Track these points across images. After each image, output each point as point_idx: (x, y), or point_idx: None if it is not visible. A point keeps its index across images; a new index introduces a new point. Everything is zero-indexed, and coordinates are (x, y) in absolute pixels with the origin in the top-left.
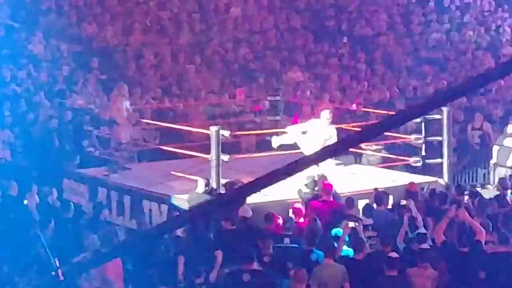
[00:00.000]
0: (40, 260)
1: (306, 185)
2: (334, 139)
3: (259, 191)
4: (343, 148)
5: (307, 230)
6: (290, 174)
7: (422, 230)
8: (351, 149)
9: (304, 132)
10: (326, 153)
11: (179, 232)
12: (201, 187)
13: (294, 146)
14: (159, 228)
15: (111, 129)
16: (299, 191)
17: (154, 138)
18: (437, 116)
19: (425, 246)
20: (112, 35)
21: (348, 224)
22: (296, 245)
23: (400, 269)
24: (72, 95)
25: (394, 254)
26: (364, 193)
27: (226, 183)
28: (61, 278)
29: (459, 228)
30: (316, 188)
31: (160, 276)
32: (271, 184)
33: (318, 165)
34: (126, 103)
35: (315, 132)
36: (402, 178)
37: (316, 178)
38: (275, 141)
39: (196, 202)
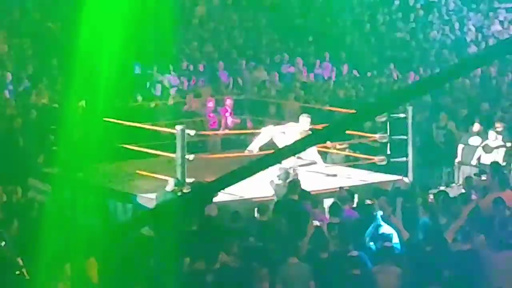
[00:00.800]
0: (4, 259)
1: (278, 176)
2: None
3: (223, 190)
4: (306, 146)
5: (272, 229)
6: (253, 173)
7: (387, 228)
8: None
9: (283, 133)
10: (290, 151)
11: (145, 231)
12: (170, 185)
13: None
14: (124, 226)
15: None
16: (271, 182)
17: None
18: (402, 115)
19: (388, 244)
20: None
21: (313, 223)
22: (261, 244)
23: (364, 267)
24: (36, 93)
25: (354, 253)
26: (330, 191)
27: (191, 183)
28: (27, 277)
29: (424, 227)
30: (288, 180)
31: (128, 275)
32: (234, 183)
33: (281, 163)
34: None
35: (294, 136)
36: (367, 177)
37: (289, 170)
38: (255, 146)
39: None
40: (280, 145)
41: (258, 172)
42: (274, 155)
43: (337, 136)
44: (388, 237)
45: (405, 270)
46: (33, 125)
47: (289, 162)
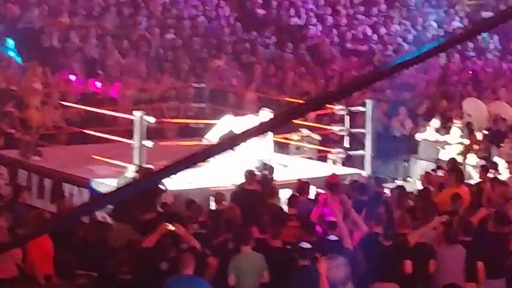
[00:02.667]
0: None
1: (256, 168)
2: (270, 138)
3: (173, 176)
4: (258, 133)
5: (225, 218)
6: (204, 159)
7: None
8: (276, 140)
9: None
10: (241, 138)
11: (100, 217)
12: (131, 171)
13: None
14: (76, 211)
15: (22, 111)
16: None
17: (78, 121)
18: (361, 109)
19: (333, 237)
20: (37, 17)
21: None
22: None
23: (313, 259)
24: None
25: (306, 245)
26: (287, 183)
27: (138, 169)
28: None
29: (384, 222)
30: (265, 171)
31: (79, 261)
32: (183, 170)
33: (233, 150)
34: (38, 85)
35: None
36: (325, 170)
37: (266, 162)
38: (212, 136)
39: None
40: None
41: (209, 159)
42: (226, 141)
43: (284, 126)
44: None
45: (354, 261)
46: None
47: (265, 154)
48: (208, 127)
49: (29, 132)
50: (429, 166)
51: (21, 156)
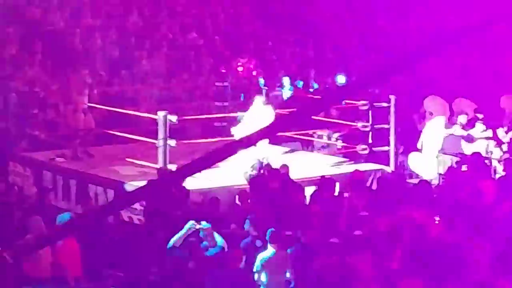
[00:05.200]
0: None
1: (252, 167)
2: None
3: (195, 175)
4: (277, 129)
5: (252, 216)
6: (226, 157)
7: (362, 216)
8: (299, 136)
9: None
10: (262, 134)
11: (126, 217)
12: None
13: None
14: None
15: (69, 116)
16: (245, 173)
17: (101, 122)
18: (385, 104)
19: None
20: (59, 18)
21: None
22: (242, 231)
23: (341, 255)
24: (17, 77)
25: (334, 240)
26: (312, 180)
27: (159, 169)
28: (10, 260)
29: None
30: (262, 171)
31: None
32: (206, 168)
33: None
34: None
35: (259, 116)
36: (349, 166)
37: (262, 161)
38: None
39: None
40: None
41: (231, 156)
42: (247, 138)
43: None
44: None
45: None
46: (14, 109)
47: (261, 153)
48: (232, 125)
49: (77, 135)
50: (453, 160)
51: (70, 159)
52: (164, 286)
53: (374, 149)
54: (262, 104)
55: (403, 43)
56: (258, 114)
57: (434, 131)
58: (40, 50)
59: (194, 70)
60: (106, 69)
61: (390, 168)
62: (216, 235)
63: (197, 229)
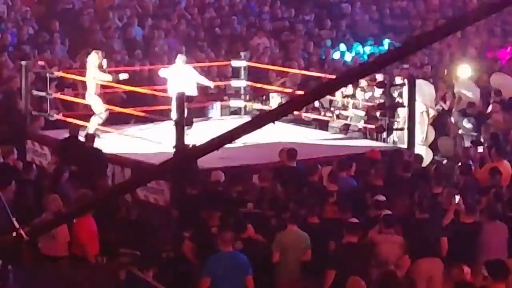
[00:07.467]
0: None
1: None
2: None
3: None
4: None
5: (269, 195)
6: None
7: (381, 197)
8: (315, 117)
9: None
10: (279, 112)
11: (142, 195)
12: None
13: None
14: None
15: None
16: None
17: (118, 102)
18: (401, 83)
19: (383, 212)
20: None
21: None
22: (259, 211)
23: (361, 235)
24: (35, 57)
25: (354, 220)
26: (328, 159)
27: (174, 146)
28: (26, 238)
29: (420, 196)
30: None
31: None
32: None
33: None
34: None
35: (177, 73)
36: (366, 146)
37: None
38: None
39: None
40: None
41: (248, 133)
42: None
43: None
44: (381, 206)
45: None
46: (32, 88)
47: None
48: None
49: (99, 115)
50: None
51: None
52: (179, 264)
53: (391, 128)
54: (182, 62)
55: (422, 24)
56: (178, 73)
57: None
58: (58, 29)
59: (212, 49)
60: (123, 48)
61: (405, 149)
62: None
63: None
